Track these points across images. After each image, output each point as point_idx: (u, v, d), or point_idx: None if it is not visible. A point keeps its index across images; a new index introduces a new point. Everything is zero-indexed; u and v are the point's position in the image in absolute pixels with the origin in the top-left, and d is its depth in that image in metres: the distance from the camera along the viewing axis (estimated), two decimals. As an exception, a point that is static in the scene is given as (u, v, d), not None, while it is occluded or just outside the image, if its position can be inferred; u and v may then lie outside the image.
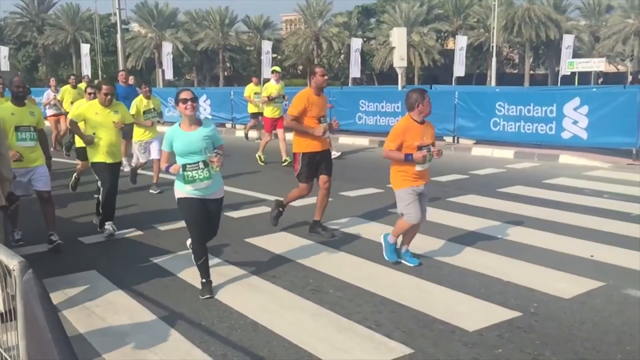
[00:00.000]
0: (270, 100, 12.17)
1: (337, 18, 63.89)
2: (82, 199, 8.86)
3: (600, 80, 43.44)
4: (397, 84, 20.01)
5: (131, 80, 13.13)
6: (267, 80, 16.60)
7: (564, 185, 9.33)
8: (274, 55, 52.99)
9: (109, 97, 6.70)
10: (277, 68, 13.23)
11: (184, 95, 4.83)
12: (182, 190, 4.92)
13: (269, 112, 12.31)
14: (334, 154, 12.82)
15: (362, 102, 16.09)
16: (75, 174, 9.27)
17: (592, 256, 5.73)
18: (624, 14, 57.41)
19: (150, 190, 9.33)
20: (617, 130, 11.24)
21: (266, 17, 68.06)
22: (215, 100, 20.10)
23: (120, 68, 26.38)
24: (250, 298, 4.84)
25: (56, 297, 4.96)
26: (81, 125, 6.87)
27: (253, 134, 16.48)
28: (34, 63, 64.65)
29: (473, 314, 4.48)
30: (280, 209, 6.94)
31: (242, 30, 67.53)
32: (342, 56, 61.79)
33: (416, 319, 4.41)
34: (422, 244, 6.26)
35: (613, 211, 7.47)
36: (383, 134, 15.13)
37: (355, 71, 35.11)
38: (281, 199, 7.04)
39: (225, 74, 66.01)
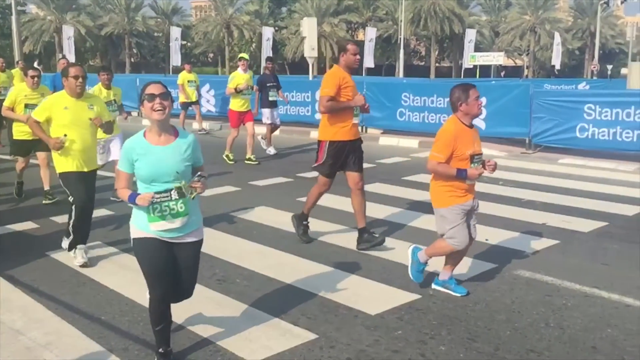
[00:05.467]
0: (238, 92, 10.85)
1: (248, 6, 63.20)
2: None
3: (502, 73, 45.80)
4: (308, 73, 20.15)
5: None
6: (180, 68, 16.02)
7: (463, 173, 9.78)
8: (183, 42, 51.66)
9: (80, 80, 5.28)
10: (245, 55, 11.69)
11: (151, 89, 3.39)
12: (140, 229, 3.50)
13: (237, 105, 10.93)
14: (270, 151, 11.91)
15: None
16: (16, 178, 7.99)
17: (486, 240, 6.06)
18: (522, 10, 60.87)
19: (112, 198, 7.76)
20: (512, 121, 11.92)
21: (175, 2, 66.20)
22: (121, 87, 19.32)
23: (16, 52, 24.75)
24: (154, 290, 4.75)
25: (-60, 297, 4.64)
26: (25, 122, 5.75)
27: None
28: None
29: (376, 298, 4.63)
30: (305, 222, 6.04)
31: (149, 16, 65.26)
32: (253, 45, 61.22)
33: (321, 305, 4.50)
34: (328, 231, 6.37)
35: (506, 197, 7.95)
36: (291, 123, 15.22)
37: (266, 60, 34.94)
38: (298, 212, 6.13)
39: (132, 60, 63.61)
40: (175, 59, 33.26)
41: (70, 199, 5.33)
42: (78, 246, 5.41)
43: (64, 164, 5.36)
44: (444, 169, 4.42)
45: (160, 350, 3.66)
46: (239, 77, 11.00)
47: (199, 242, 3.64)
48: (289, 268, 5.32)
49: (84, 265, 5.33)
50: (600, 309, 4.43)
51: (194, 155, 3.51)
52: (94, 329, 4.11)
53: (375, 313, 4.34)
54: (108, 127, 5.72)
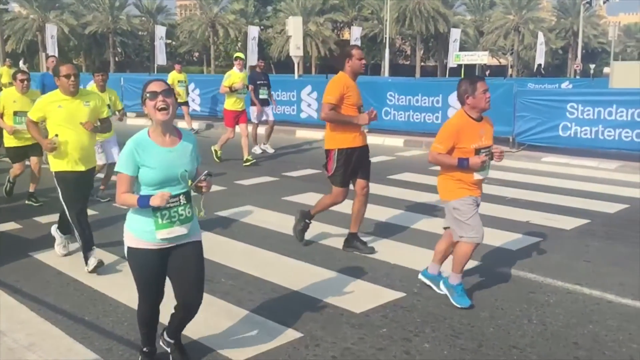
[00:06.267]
0: (233, 91, 10.68)
1: (233, 5, 62.99)
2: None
3: (487, 73, 46.15)
4: (294, 72, 20.13)
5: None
6: (165, 67, 15.94)
7: (448, 171, 9.84)
8: (168, 41, 51.38)
9: (72, 79, 5.09)
10: (241, 54, 11.52)
11: (153, 86, 3.22)
12: (137, 237, 3.31)
13: (231, 104, 10.81)
14: (256, 149, 11.99)
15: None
16: (8, 177, 7.89)
17: (471, 238, 6.11)
18: (506, 10, 61.32)
19: (97, 198, 7.71)
20: (496, 119, 11.77)
21: (159, 1, 65.76)
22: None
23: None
24: (138, 290, 4.72)
25: None
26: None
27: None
28: None
29: (361, 297, 4.64)
30: (307, 220, 5.93)
31: (133, 14, 64.77)
32: (239, 44, 61.04)
33: (307, 304, 4.50)
34: (316, 230, 6.38)
35: (490, 195, 7.95)
36: (277, 122, 15.15)
37: (252, 59, 34.86)
38: (306, 209, 6.04)
39: (117, 59, 63.10)
40: (160, 58, 33.03)
41: (62, 202, 5.20)
42: (89, 253, 5.16)
43: (59, 163, 5.20)
44: (444, 159, 4.37)
45: (145, 349, 3.61)
46: (235, 76, 10.86)
47: (199, 243, 3.48)
48: (274, 267, 5.32)
49: (99, 264, 5.09)
50: (582, 305, 4.49)
51: (197, 155, 3.42)
52: (77, 329, 4.08)
53: (360, 311, 4.36)
54: (105, 126, 5.59)
